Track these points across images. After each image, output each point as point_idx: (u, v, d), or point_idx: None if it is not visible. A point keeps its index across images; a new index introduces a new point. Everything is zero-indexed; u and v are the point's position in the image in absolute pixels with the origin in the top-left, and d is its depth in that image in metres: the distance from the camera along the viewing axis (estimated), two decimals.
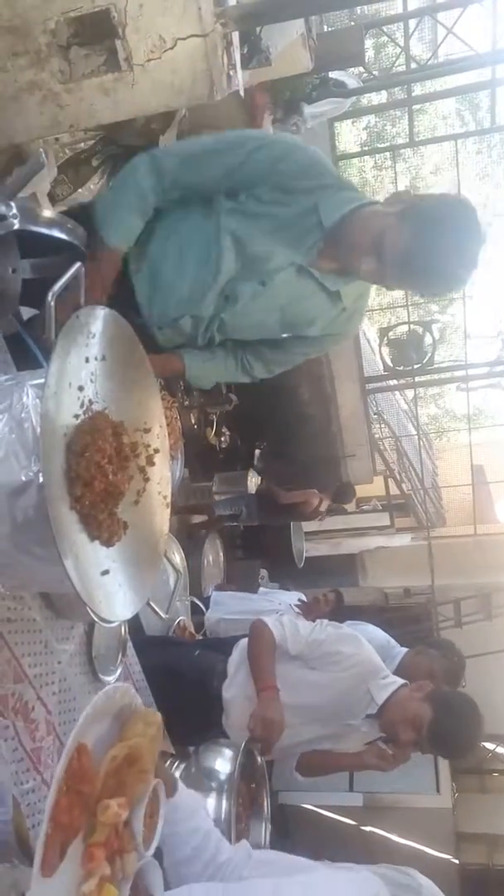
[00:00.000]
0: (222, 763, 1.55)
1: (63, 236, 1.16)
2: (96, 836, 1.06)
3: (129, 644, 1.70)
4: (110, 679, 1.58)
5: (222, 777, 1.51)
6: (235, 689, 2.05)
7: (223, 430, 5.90)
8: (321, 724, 2.04)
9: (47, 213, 1.12)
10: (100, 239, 1.49)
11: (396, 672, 2.15)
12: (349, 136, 11.75)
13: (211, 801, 1.47)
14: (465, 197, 1.62)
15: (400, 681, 2.06)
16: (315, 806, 5.48)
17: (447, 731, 1.95)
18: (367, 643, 2.12)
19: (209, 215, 1.65)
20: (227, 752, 1.58)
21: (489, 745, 6.24)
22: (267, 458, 5.92)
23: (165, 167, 1.59)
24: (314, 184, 1.62)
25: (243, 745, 1.58)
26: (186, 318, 1.71)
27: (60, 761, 1.00)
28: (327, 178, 1.64)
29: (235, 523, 4.96)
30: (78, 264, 1.10)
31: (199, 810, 1.29)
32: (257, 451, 5.95)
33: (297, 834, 5.11)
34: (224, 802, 1.46)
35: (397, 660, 2.51)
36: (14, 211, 1.05)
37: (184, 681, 1.95)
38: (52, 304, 1.00)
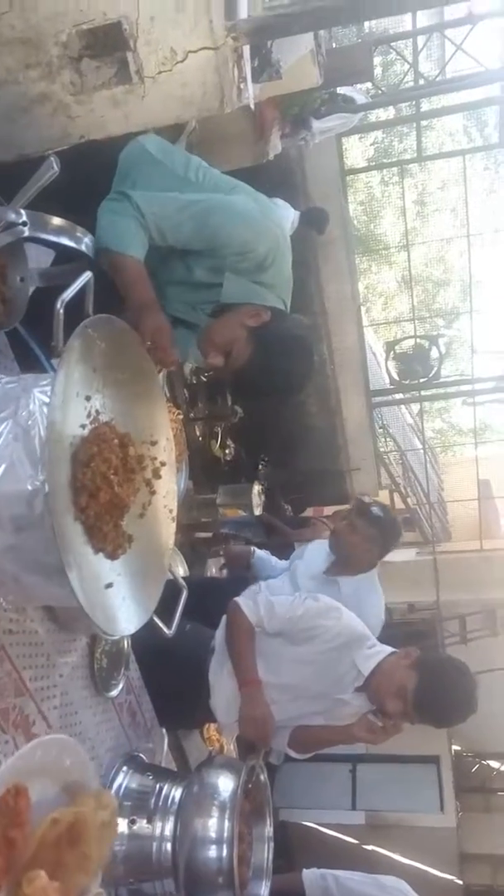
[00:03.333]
0: (225, 781, 1.51)
1: (72, 244, 1.15)
2: None
3: (132, 658, 1.68)
4: (112, 694, 1.55)
5: (225, 796, 1.47)
6: (219, 668, 2.06)
7: (228, 443, 5.90)
8: (309, 699, 2.01)
9: (56, 220, 1.12)
10: (120, 256, 1.47)
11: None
12: (356, 151, 11.83)
13: (213, 821, 1.44)
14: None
15: (387, 649, 2.02)
16: (316, 823, 5.41)
17: (431, 697, 1.88)
18: (349, 612, 2.08)
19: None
20: (230, 771, 1.54)
21: (494, 764, 6.16)
22: (271, 470, 5.90)
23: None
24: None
25: (245, 765, 1.55)
26: None
27: None
28: (260, 275, 1.66)
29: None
30: (87, 273, 1.09)
31: None
32: (261, 464, 5.94)
33: (298, 851, 5.04)
34: (226, 822, 1.43)
35: None
36: (24, 218, 1.04)
37: (174, 659, 1.92)
38: (61, 312, 0.99)
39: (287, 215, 4.21)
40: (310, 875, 2.33)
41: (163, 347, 1.46)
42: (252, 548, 3.10)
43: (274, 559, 2.98)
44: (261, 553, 2.99)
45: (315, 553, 2.76)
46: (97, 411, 1.18)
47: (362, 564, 2.64)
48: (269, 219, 1.72)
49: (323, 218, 5.00)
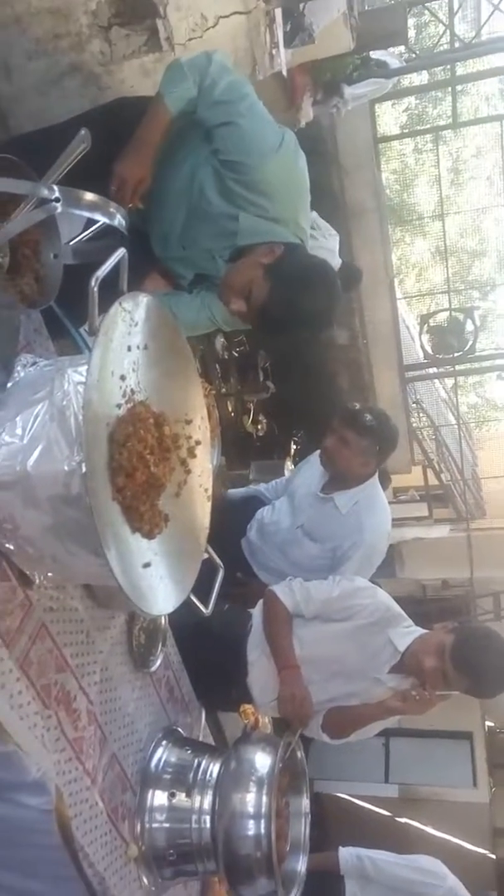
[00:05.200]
0: (262, 757, 1.52)
1: (105, 220, 1.13)
2: None
3: (170, 634, 1.69)
4: (151, 669, 1.57)
5: (262, 772, 1.48)
6: (257, 647, 2.05)
7: (260, 419, 5.88)
8: (345, 678, 1.99)
9: (89, 196, 1.10)
10: (159, 95, 1.60)
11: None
12: (389, 118, 11.51)
13: (251, 795, 1.45)
14: None
15: (422, 630, 2.02)
16: (350, 795, 5.47)
17: (470, 652, 1.86)
18: (384, 592, 2.07)
19: (186, 158, 1.71)
20: (268, 747, 1.55)
21: None
22: (305, 446, 5.87)
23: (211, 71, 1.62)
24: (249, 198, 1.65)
25: (282, 741, 1.56)
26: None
27: None
28: (261, 199, 1.65)
29: None
30: (121, 250, 1.07)
31: None
32: (294, 443, 5.91)
33: (331, 822, 5.11)
34: (264, 797, 1.44)
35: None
36: (56, 194, 1.03)
37: (212, 635, 1.94)
38: (96, 289, 0.97)
39: (333, 247, 4.07)
40: (346, 854, 2.35)
41: (122, 198, 1.55)
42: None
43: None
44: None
45: (311, 470, 2.57)
46: (132, 390, 1.17)
47: (360, 479, 2.42)
48: (293, 162, 1.70)
49: (356, 276, 4.80)
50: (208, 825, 1.46)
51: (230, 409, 5.41)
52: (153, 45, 1.93)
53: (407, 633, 1.99)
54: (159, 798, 1.48)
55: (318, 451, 2.54)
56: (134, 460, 1.12)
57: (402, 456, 6.26)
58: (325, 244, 3.95)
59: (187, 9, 1.88)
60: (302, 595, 2.04)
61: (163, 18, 1.89)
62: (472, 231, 12.40)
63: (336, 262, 4.10)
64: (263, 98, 1.65)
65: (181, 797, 1.48)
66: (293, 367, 5.76)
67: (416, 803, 5.52)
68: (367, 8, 5.27)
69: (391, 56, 5.15)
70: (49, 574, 1.16)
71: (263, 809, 1.43)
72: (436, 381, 8.13)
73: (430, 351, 6.25)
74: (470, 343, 6.10)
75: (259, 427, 5.83)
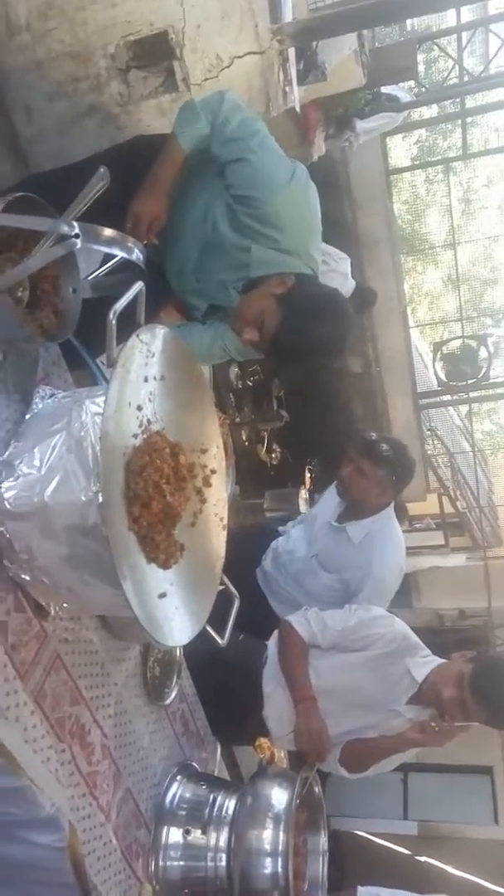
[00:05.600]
0: (279, 793, 1.49)
1: (123, 254, 1.15)
2: None
3: (184, 666, 1.68)
4: (166, 702, 1.55)
5: (279, 808, 1.45)
6: (273, 679, 2.03)
7: (274, 447, 5.88)
8: (363, 710, 1.96)
9: (108, 232, 1.12)
10: (173, 134, 1.65)
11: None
12: (399, 150, 11.68)
13: (268, 832, 1.42)
14: None
15: (440, 660, 1.98)
16: (368, 833, 5.34)
17: (491, 682, 1.82)
18: (401, 621, 2.04)
19: (200, 194, 1.74)
20: (284, 782, 1.52)
21: None
22: (319, 475, 5.85)
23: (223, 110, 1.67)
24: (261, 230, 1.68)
25: (299, 776, 1.53)
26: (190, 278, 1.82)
27: None
28: (273, 232, 1.68)
29: None
30: (139, 283, 1.09)
31: None
32: (309, 471, 5.88)
33: (348, 861, 4.98)
34: (282, 835, 1.41)
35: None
36: (76, 230, 1.05)
37: (227, 667, 1.90)
38: (114, 322, 0.99)
39: (345, 270, 4.11)
40: (365, 894, 2.29)
41: (137, 235, 1.56)
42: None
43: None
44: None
45: (329, 499, 2.56)
46: (148, 420, 1.18)
47: (376, 509, 2.39)
48: (303, 194, 1.73)
49: (370, 299, 4.83)
50: (224, 863, 1.43)
51: (244, 438, 5.42)
52: (170, 85, 1.98)
53: (425, 662, 1.96)
54: (174, 835, 1.45)
55: (332, 486, 2.52)
56: (150, 490, 1.12)
57: (417, 483, 6.21)
58: (338, 268, 3.98)
59: (203, 50, 1.93)
60: (318, 625, 2.02)
61: (179, 60, 1.94)
62: (483, 259, 12.47)
63: (350, 284, 4.14)
64: (276, 133, 1.69)
65: (196, 834, 1.46)
66: (307, 395, 5.78)
67: (435, 841, 5.37)
68: (377, 45, 5.38)
69: (402, 90, 5.24)
70: (64, 605, 1.16)
71: (281, 847, 1.40)
72: (450, 408, 8.11)
73: (443, 378, 6.24)
74: (484, 370, 6.09)
75: (273, 456, 5.83)
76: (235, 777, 2.27)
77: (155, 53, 1.94)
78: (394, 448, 2.39)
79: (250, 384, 5.41)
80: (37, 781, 1.07)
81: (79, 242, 1.06)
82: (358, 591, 2.30)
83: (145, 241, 1.62)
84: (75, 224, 1.06)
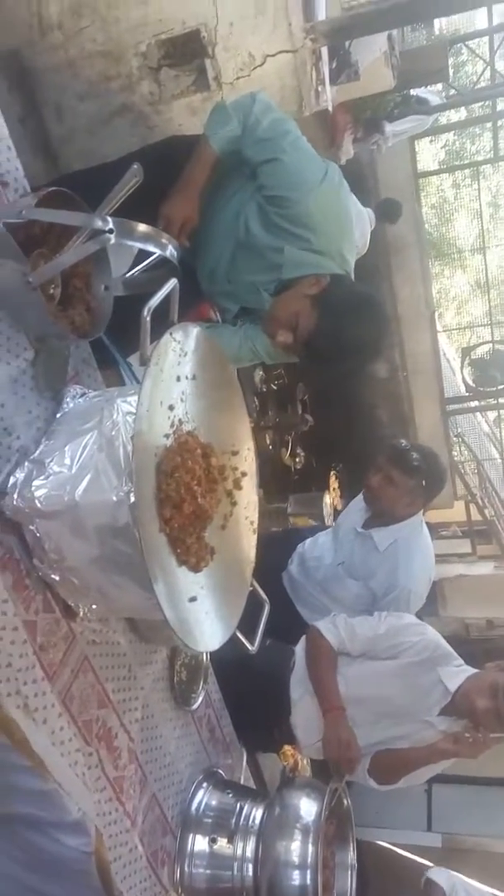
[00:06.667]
0: (308, 804, 1.45)
1: (157, 251, 1.14)
2: None
3: (211, 671, 1.65)
4: (192, 707, 1.53)
5: (308, 819, 1.42)
6: (300, 686, 1.99)
7: (298, 451, 5.84)
8: (393, 720, 1.91)
9: (142, 227, 1.10)
10: (204, 136, 1.64)
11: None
12: (427, 154, 11.60)
13: (296, 844, 1.38)
14: None
15: (473, 669, 1.93)
16: (391, 844, 5.24)
17: None
18: (433, 629, 1.99)
19: (233, 196, 1.72)
20: (313, 793, 1.48)
21: None
22: (344, 479, 5.81)
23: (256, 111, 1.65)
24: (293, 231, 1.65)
25: (329, 787, 1.49)
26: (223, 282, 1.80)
27: None
28: (305, 232, 1.65)
29: None
30: (173, 280, 1.07)
31: None
32: (335, 474, 5.84)
33: (372, 873, 4.90)
34: (310, 847, 1.37)
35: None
36: (110, 226, 1.03)
37: (254, 672, 1.89)
38: (148, 319, 0.97)
39: (362, 213, 4.08)
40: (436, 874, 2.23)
41: (170, 232, 1.54)
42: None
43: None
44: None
45: (354, 508, 2.52)
46: (180, 421, 1.16)
47: (403, 518, 2.34)
48: (336, 194, 1.70)
49: (396, 209, 4.83)
50: (251, 873, 1.40)
51: (268, 441, 5.40)
52: (201, 84, 1.97)
53: (458, 672, 1.91)
54: (200, 843, 1.43)
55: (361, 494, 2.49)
56: (182, 491, 1.10)
57: (444, 491, 6.13)
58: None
59: (235, 48, 1.92)
60: (347, 632, 1.98)
61: (211, 58, 1.93)
62: None
63: (368, 217, 4.10)
64: (305, 136, 1.66)
65: (223, 843, 1.43)
66: (333, 399, 5.74)
67: (460, 854, 5.25)
68: (406, 47, 5.34)
69: (431, 93, 5.21)
70: (93, 606, 1.14)
71: (310, 860, 1.36)
72: (478, 414, 8.01)
73: (471, 384, 6.17)
74: None
75: (297, 460, 5.79)
76: (260, 785, 2.23)
77: (187, 52, 1.93)
78: (425, 457, 2.34)
79: (275, 387, 5.39)
80: (64, 785, 1.06)
81: (113, 238, 1.04)
82: (384, 600, 2.25)
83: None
84: (109, 219, 1.04)
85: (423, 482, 2.31)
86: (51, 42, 1.85)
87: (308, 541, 2.60)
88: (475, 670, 1.92)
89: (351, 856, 1.59)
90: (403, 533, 2.33)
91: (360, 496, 2.53)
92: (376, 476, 2.34)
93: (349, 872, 1.58)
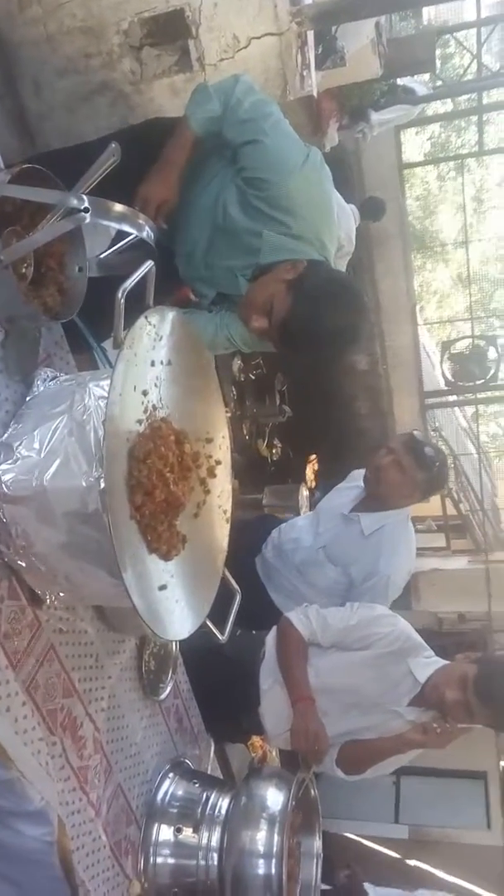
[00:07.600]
0: (274, 794, 1.45)
1: (133, 231, 1.11)
2: None
3: (180, 661, 1.64)
4: (160, 697, 1.51)
5: (274, 809, 1.42)
6: (270, 676, 1.99)
7: (275, 442, 5.84)
8: (362, 710, 1.92)
9: (118, 207, 1.07)
10: (185, 117, 1.61)
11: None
12: (412, 146, 11.61)
13: (261, 834, 1.38)
14: None
15: (443, 661, 1.95)
16: (358, 836, 5.30)
17: (496, 685, 1.79)
18: (404, 620, 2.00)
19: (212, 179, 1.70)
20: (280, 783, 1.48)
21: None
22: (322, 472, 5.82)
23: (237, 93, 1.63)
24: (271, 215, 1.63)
25: (296, 777, 1.49)
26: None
27: None
28: (284, 216, 1.63)
29: None
30: (149, 262, 1.04)
31: None
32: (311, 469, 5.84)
33: (338, 863, 4.95)
34: (276, 836, 1.37)
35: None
36: (86, 204, 1.00)
37: (224, 661, 1.89)
38: (122, 301, 0.94)
39: (346, 209, 4.07)
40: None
41: (147, 213, 1.50)
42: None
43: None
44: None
45: (341, 492, 2.52)
46: (154, 406, 1.14)
47: (395, 506, 2.33)
48: (317, 178, 1.67)
49: (380, 207, 4.84)
50: (216, 863, 1.40)
51: (245, 432, 5.38)
52: (184, 65, 1.93)
53: (428, 663, 1.92)
54: (165, 833, 1.42)
55: (348, 478, 2.51)
56: (154, 478, 1.08)
57: None
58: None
59: (219, 29, 1.88)
60: (318, 623, 1.98)
61: (194, 39, 1.89)
62: (494, 259, 12.42)
63: (352, 213, 4.08)
64: (290, 122, 1.64)
65: (188, 832, 1.42)
66: (311, 390, 5.73)
67: (427, 845, 5.34)
68: (394, 36, 5.31)
69: (418, 83, 5.18)
70: (61, 594, 1.12)
71: (275, 849, 1.36)
72: (456, 409, 8.06)
73: (451, 378, 6.19)
74: (492, 371, 6.03)
75: (274, 451, 5.79)
76: (227, 776, 2.23)
77: (170, 31, 1.89)
78: (437, 454, 2.36)
79: (253, 377, 5.37)
80: (26, 774, 1.04)
81: (88, 217, 1.01)
82: (361, 588, 2.26)
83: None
84: (85, 198, 1.02)
85: (429, 478, 2.32)
86: (29, 16, 1.80)
87: (284, 525, 2.58)
88: (445, 662, 1.94)
89: (317, 845, 1.59)
90: (390, 521, 2.33)
91: (343, 486, 2.53)
92: (387, 458, 2.32)
93: (315, 861, 1.58)
